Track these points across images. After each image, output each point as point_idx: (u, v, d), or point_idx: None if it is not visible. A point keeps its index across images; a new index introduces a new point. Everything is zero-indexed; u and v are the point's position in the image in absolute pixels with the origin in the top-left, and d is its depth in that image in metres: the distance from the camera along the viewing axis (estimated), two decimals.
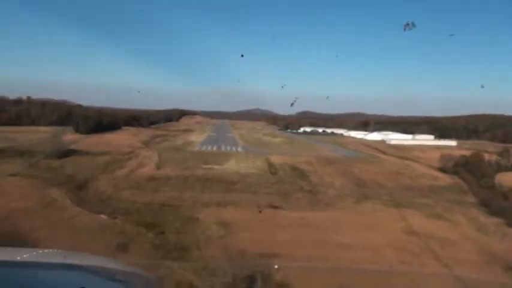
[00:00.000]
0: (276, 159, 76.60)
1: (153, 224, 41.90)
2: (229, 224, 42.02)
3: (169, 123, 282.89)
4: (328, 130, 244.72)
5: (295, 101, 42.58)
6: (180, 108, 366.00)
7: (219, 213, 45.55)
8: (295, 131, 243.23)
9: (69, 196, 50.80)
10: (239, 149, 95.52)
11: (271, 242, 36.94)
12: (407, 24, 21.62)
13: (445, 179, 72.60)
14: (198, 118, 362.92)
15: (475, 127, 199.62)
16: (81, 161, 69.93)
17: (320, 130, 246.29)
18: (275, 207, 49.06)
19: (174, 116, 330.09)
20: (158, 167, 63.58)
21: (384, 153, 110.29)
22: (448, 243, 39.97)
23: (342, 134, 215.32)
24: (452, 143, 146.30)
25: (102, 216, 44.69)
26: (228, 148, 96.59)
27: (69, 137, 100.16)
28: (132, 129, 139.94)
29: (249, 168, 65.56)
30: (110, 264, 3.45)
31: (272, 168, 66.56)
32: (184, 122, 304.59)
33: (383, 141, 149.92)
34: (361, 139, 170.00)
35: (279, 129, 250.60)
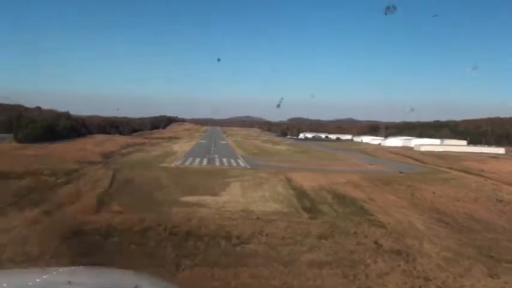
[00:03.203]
0: (301, 179, 48.50)
1: None
2: None
3: (155, 130, 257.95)
4: (332, 136, 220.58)
5: (280, 101, 50.58)
6: (168, 115, 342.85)
7: None
8: (295, 137, 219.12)
9: None
10: (240, 163, 67.08)
11: None
12: (388, 7, 21.06)
13: None
14: (187, 125, 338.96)
15: (506, 131, 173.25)
16: None
17: (323, 136, 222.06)
18: None
19: (161, 123, 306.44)
20: (101, 201, 35.13)
21: (425, 163, 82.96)
22: None
23: (351, 140, 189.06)
24: (500, 150, 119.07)
25: None
26: (225, 161, 68.05)
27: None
28: (101, 137, 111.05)
29: (265, 200, 37.29)
30: (129, 278, 3.10)
31: (305, 199, 38.23)
32: (172, 129, 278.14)
33: (410, 148, 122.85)
34: (379, 145, 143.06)
35: (277, 135, 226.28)
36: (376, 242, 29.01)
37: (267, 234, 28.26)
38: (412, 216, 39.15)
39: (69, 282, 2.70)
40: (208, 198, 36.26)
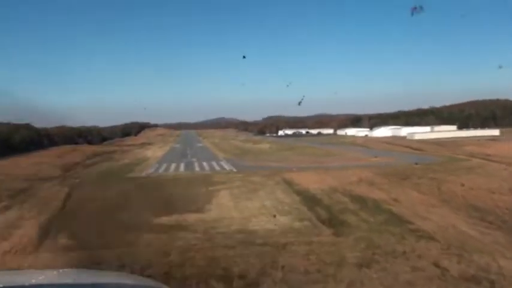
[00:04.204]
0: (303, 181, 39.73)
1: None
2: None
3: (127, 137, 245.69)
4: (313, 131, 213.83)
5: (302, 99, 46.03)
6: (140, 122, 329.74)
7: None
8: (274, 134, 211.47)
9: None
10: (224, 165, 57.89)
11: None
12: (415, 7, 22.36)
13: None
14: (161, 130, 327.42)
15: (492, 113, 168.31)
16: None
17: (303, 131, 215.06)
18: None
19: (133, 130, 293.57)
20: (44, 233, 25.53)
21: (428, 151, 75.75)
22: None
23: (334, 133, 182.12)
24: (494, 132, 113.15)
25: None
26: (205, 165, 58.71)
27: None
28: (65, 148, 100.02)
29: (267, 213, 28.33)
30: (122, 279, 2.97)
31: (318, 207, 29.32)
32: (145, 135, 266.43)
33: (401, 137, 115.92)
34: (366, 137, 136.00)
35: (255, 135, 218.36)
36: (436, 265, 20.40)
37: (283, 267, 19.32)
38: (451, 217, 30.84)
39: (71, 282, 2.62)
40: (190, 217, 26.93)
